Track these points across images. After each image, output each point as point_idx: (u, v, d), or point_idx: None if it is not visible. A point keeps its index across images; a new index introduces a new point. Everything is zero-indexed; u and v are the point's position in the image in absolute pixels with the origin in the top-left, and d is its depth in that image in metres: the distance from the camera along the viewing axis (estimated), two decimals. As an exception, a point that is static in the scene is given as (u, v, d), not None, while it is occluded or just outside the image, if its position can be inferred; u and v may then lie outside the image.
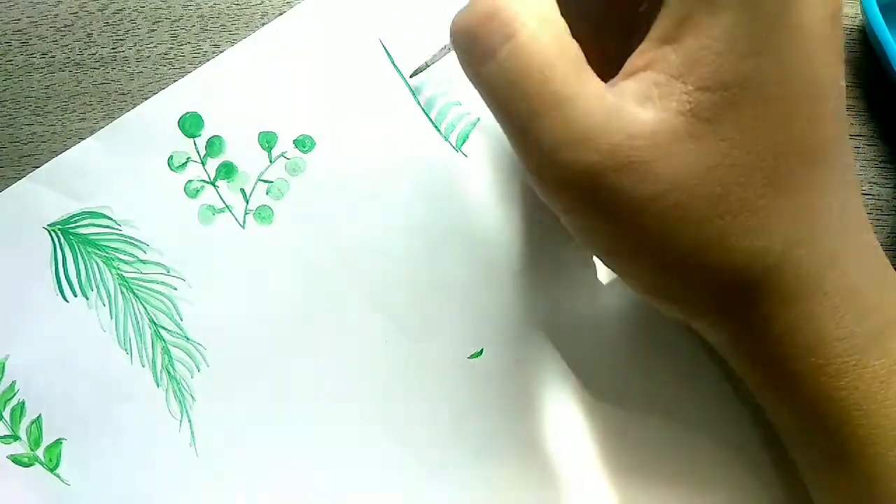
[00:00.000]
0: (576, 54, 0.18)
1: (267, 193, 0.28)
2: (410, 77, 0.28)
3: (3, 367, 0.28)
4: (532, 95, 0.18)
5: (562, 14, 0.19)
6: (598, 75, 0.19)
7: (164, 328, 0.28)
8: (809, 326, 0.20)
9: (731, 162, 0.18)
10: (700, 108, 0.18)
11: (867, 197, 0.29)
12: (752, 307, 0.20)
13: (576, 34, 0.19)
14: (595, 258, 0.28)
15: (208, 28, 0.29)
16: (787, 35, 0.18)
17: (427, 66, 0.27)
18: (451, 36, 0.19)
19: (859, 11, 0.29)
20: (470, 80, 0.19)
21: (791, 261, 0.19)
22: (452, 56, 0.28)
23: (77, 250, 0.28)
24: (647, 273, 0.20)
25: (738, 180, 0.18)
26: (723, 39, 0.18)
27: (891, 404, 0.20)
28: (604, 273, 0.28)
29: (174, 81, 0.29)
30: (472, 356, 0.28)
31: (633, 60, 0.19)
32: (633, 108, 0.18)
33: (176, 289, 0.28)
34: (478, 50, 0.18)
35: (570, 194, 0.19)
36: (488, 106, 0.19)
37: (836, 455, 0.21)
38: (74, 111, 0.29)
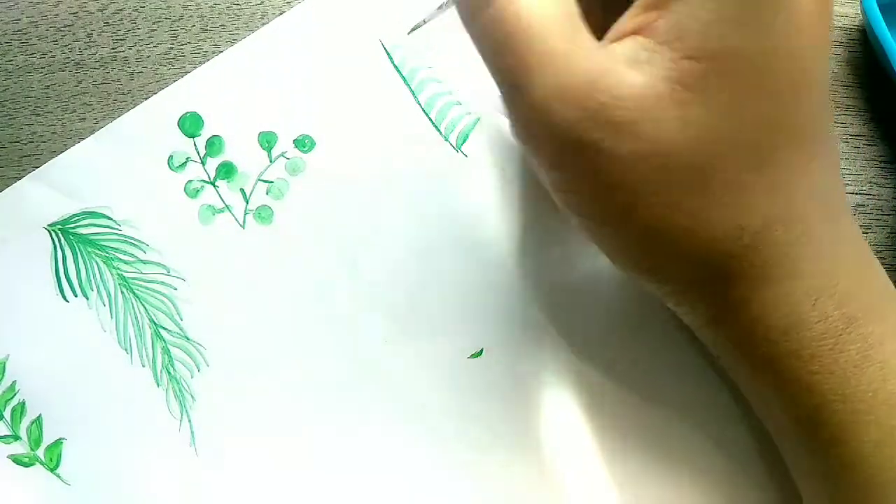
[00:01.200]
0: (571, 10, 0.19)
1: (267, 193, 0.28)
2: (408, 34, 0.28)
3: (4, 367, 0.28)
4: (524, 49, 0.18)
5: None
6: (600, 33, 0.19)
7: (164, 328, 0.28)
8: (785, 308, 0.20)
9: (716, 134, 0.18)
10: (685, 76, 0.18)
11: (867, 197, 0.29)
12: (728, 286, 0.20)
13: None
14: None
15: (208, 28, 0.29)
16: (775, 12, 0.18)
17: (424, 22, 0.27)
18: None
19: (859, 11, 0.29)
20: (466, 30, 0.19)
21: (769, 240, 0.19)
22: (453, 53, 0.29)
23: (77, 250, 0.28)
24: (626, 239, 0.20)
25: (722, 152, 0.19)
26: (710, 8, 0.18)
27: (865, 390, 0.20)
28: (606, 272, 0.28)
29: (174, 81, 0.29)
30: (472, 356, 0.28)
31: (622, 24, 0.19)
32: (622, 70, 0.18)
33: (176, 289, 0.28)
34: (473, 1, 0.19)
35: (556, 149, 0.19)
36: (482, 57, 0.19)
37: (813, 441, 0.21)
38: (74, 111, 0.29)
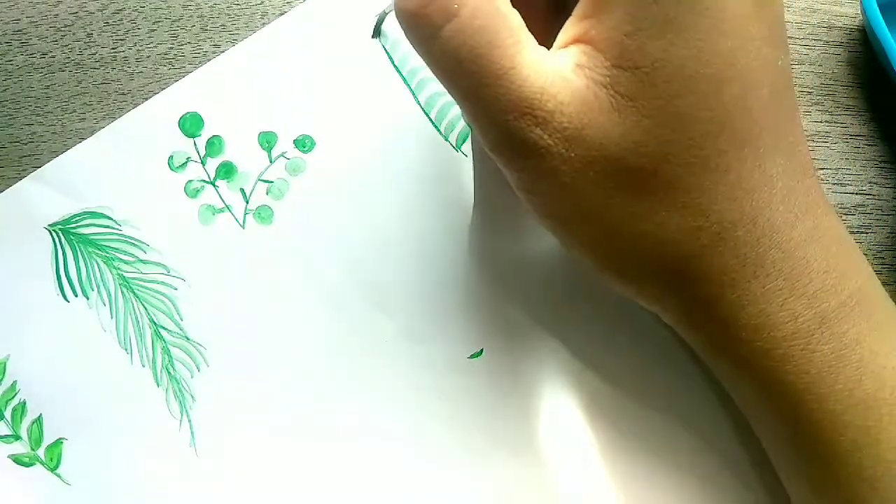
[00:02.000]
0: (516, 24, 0.19)
1: (267, 193, 0.28)
2: (373, 38, 0.28)
3: (5, 366, 0.28)
4: (475, 70, 0.19)
5: None
6: (546, 34, 0.20)
7: (164, 328, 0.28)
8: (753, 309, 0.20)
9: (657, 138, 0.19)
10: (618, 84, 0.18)
11: (867, 197, 0.29)
12: (694, 286, 0.20)
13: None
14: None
15: (208, 28, 0.29)
16: (697, 16, 0.18)
17: (383, 16, 0.28)
18: (397, 16, 0.20)
19: (859, 11, 0.29)
20: (420, 56, 0.20)
21: (728, 241, 0.19)
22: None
23: (77, 250, 0.28)
24: (587, 242, 0.21)
25: (667, 157, 0.19)
26: (628, 21, 0.18)
27: (841, 389, 0.20)
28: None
29: (174, 81, 0.29)
30: (472, 356, 0.28)
31: (564, 33, 0.20)
32: (568, 76, 0.19)
33: (176, 289, 0.28)
34: (423, 30, 0.19)
35: (515, 155, 0.20)
36: (439, 80, 0.20)
37: (791, 438, 0.21)
38: (74, 111, 0.29)
